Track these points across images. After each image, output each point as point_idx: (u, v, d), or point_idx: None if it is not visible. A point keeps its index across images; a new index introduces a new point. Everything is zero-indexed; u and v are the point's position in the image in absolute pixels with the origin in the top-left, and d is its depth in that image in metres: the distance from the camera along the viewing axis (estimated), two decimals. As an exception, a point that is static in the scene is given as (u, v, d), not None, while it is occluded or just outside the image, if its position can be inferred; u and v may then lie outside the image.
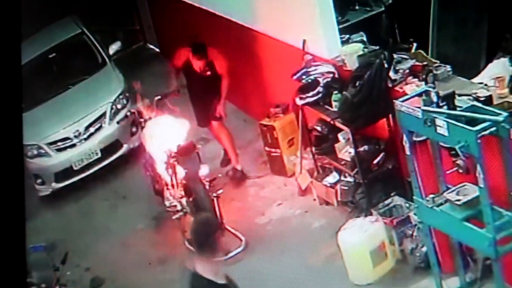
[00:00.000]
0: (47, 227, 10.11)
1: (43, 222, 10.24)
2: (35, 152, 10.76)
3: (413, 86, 6.90)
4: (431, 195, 5.82)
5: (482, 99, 6.05)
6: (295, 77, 7.99)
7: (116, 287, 8.62)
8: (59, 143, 10.80)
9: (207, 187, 8.26)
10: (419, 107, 5.54)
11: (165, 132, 8.77)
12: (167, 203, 8.87)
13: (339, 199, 8.00)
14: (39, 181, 10.82)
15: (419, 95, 5.74)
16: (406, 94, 6.31)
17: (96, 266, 8.97)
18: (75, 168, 10.76)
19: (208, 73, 9.17)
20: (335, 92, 7.63)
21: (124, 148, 10.95)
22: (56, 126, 10.91)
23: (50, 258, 9.02)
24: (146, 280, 8.41)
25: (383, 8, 9.38)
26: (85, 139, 10.81)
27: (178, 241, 8.68)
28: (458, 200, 5.60)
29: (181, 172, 8.45)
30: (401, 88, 7.01)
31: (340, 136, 7.78)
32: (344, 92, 7.36)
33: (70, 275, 8.94)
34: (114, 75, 11.76)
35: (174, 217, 8.66)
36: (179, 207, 8.63)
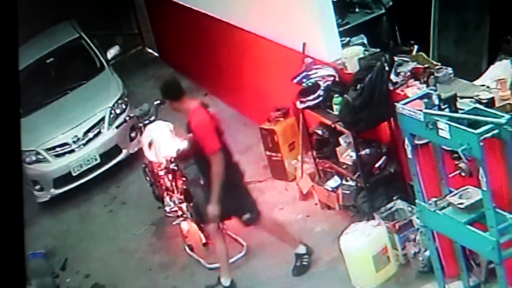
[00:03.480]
0: (46, 234, 10.08)
1: (42, 228, 10.20)
2: (34, 158, 10.69)
3: (414, 89, 6.85)
4: (434, 199, 5.76)
5: (484, 101, 6.01)
6: (295, 80, 7.93)
7: (116, 293, 8.59)
8: (57, 149, 10.74)
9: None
10: (420, 110, 5.49)
11: (164, 137, 8.71)
12: (167, 209, 8.83)
13: (340, 203, 7.95)
14: (37, 187, 10.76)
15: (421, 98, 5.69)
16: (408, 97, 6.24)
17: (95, 272, 8.92)
18: (74, 174, 10.69)
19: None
20: (336, 95, 7.58)
21: (123, 153, 10.90)
22: (54, 132, 10.86)
23: (49, 265, 9.02)
24: (146, 286, 8.37)
25: (383, 11, 9.34)
26: (84, 144, 10.74)
27: (178, 247, 8.65)
28: (461, 204, 5.54)
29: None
30: (402, 91, 6.97)
31: (341, 139, 7.73)
32: (345, 95, 7.31)
33: (70, 281, 8.93)
34: (112, 79, 11.71)
35: (174, 223, 8.63)
36: (179, 213, 8.59)
